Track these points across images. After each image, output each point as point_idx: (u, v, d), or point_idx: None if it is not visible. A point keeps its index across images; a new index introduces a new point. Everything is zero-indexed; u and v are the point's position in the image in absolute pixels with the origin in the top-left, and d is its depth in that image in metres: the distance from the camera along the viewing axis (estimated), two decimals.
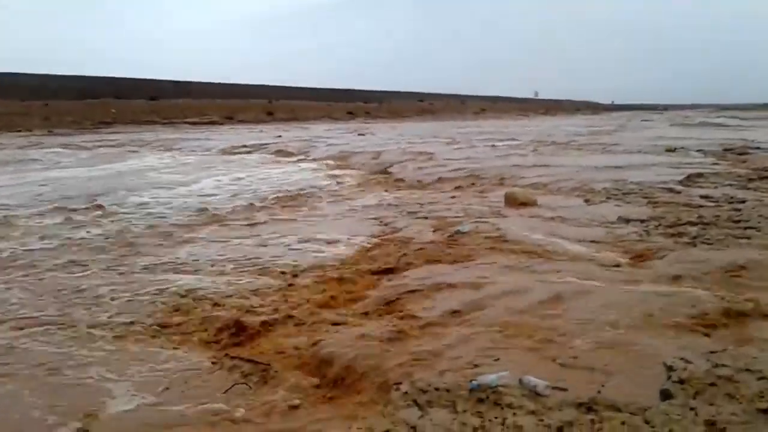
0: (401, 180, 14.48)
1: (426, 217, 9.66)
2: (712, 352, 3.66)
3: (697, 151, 18.16)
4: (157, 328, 5.20)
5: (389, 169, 16.42)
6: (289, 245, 8.11)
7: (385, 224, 9.44)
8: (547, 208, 9.88)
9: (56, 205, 11.60)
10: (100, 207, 11.36)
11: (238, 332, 4.96)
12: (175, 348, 4.76)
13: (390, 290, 5.65)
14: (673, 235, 7.38)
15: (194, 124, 56.12)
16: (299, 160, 20.25)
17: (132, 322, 5.33)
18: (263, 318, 5.19)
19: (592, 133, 24.92)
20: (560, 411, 3.11)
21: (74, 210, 11.18)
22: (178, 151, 26.80)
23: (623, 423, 2.87)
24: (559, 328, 4.25)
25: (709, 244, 6.75)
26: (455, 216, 9.55)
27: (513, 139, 26.53)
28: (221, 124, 57.79)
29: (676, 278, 5.31)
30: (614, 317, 4.35)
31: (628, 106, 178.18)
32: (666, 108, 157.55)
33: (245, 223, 9.78)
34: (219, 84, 77.85)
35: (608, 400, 3.16)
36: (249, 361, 4.26)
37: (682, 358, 3.56)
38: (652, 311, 4.43)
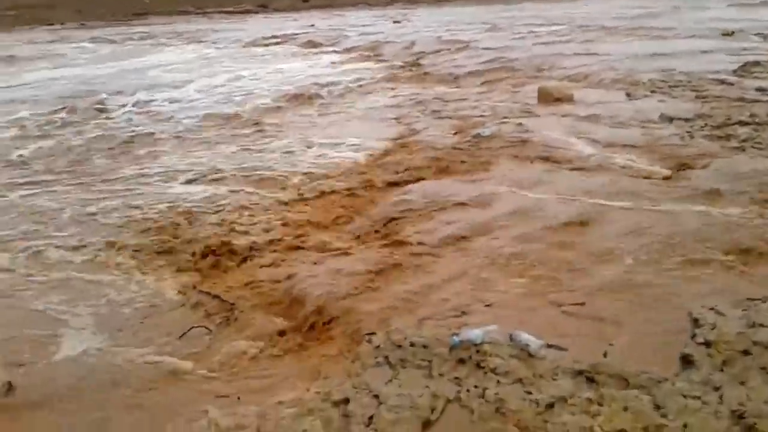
0: (431, 73, 13.55)
1: (449, 117, 8.89)
2: (749, 300, 3.02)
3: (756, 35, 16.57)
4: (135, 249, 4.76)
5: (420, 61, 15.42)
6: (299, 151, 7.53)
7: (405, 125, 8.73)
8: (584, 104, 8.98)
9: (59, 105, 11.18)
10: (102, 108, 10.87)
11: (222, 257, 4.49)
12: (144, 274, 4.32)
13: (390, 208, 5.07)
14: (720, 137, 6.52)
15: (228, 13, 54.46)
16: (327, 52, 19.24)
17: (111, 243, 4.90)
18: (253, 239, 4.70)
19: (642, 15, 23.11)
20: (554, 381, 2.54)
21: (74, 111, 10.74)
22: (205, 43, 25.92)
23: (625, 409, 2.28)
24: (570, 263, 3.65)
25: (759, 149, 5.90)
26: (481, 116, 8.76)
27: (558, 24, 24.86)
28: (255, 12, 55.88)
29: (716, 195, 4.57)
30: (637, 248, 3.72)
31: None
32: None
33: (254, 125, 9.18)
34: None
35: (614, 368, 2.58)
36: (215, 297, 3.78)
37: (712, 308, 2.93)
38: (684, 241, 3.77)
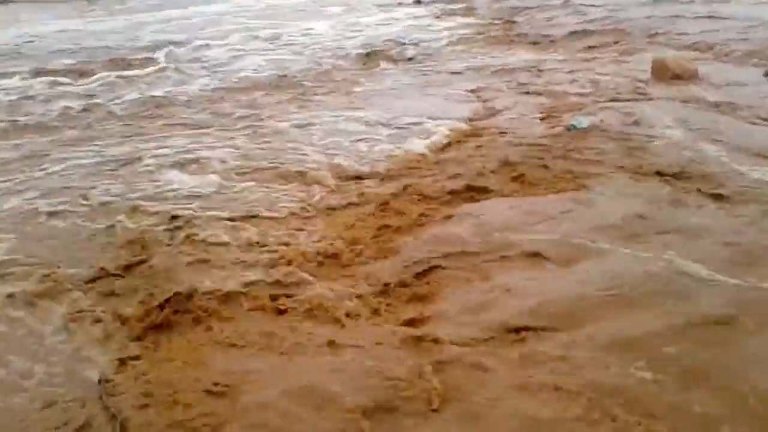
0: (525, 33, 11.61)
1: (538, 93, 7.15)
2: None
3: None
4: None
5: (514, 18, 13.44)
6: (341, 130, 6.02)
7: (483, 101, 7.06)
8: (711, 85, 6.99)
9: (112, 57, 10.07)
10: (154, 60, 9.70)
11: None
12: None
13: (430, 245, 3.52)
14: None
15: None
16: (405, 4, 17.41)
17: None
18: (222, 289, 3.29)
19: None
20: None
21: (130, 65, 9.60)
22: None
23: None
24: None
25: None
26: (579, 93, 6.98)
27: None
28: None
29: None
30: None
31: None
32: None
33: (299, 94, 7.71)
34: None
35: None
36: None
37: None
38: None
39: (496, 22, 13.27)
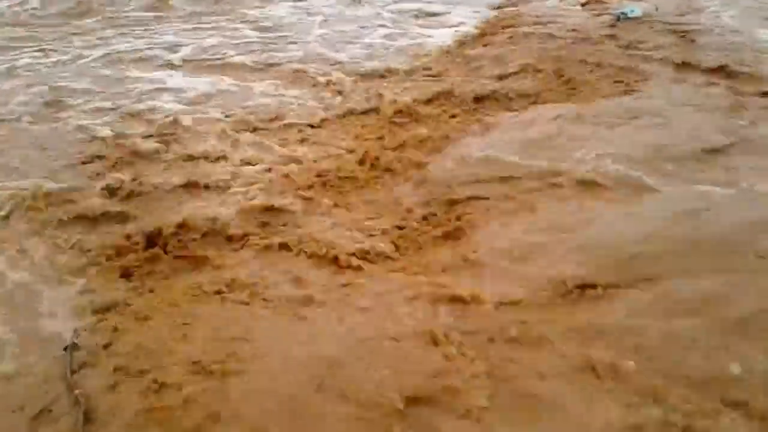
0: None
1: None
2: None
3: None
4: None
5: None
6: (359, 22, 5.32)
7: None
8: None
9: None
10: None
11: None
12: None
13: (459, 171, 2.96)
14: None
15: None
16: None
17: None
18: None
19: None
20: None
21: None
22: None
23: None
24: None
25: None
26: None
27: None
28: None
29: None
30: None
31: None
32: None
33: None
34: None
35: None
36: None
37: None
38: None
39: None
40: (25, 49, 5.05)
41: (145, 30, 5.44)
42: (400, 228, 2.64)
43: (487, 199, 2.71)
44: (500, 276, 2.21)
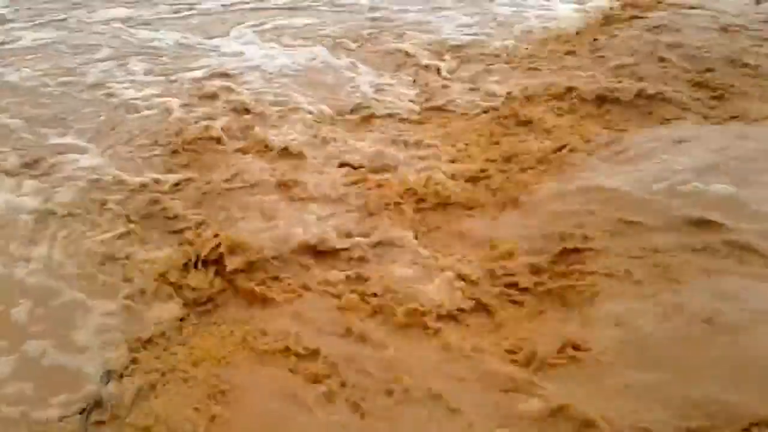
0: None
1: None
2: None
3: None
4: None
5: None
6: None
7: None
8: None
9: None
10: None
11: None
12: None
13: (579, 207, 2.39)
14: None
15: None
16: None
17: None
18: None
19: None
20: None
21: None
22: None
23: None
24: None
25: None
26: None
27: None
28: None
29: None
30: None
31: None
32: None
33: None
34: None
35: None
36: None
37: None
38: None
39: None
40: None
41: None
42: (494, 279, 2.11)
43: (613, 255, 2.13)
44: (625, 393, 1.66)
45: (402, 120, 3.15)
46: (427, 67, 3.68)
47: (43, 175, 2.74)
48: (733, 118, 2.88)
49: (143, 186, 2.65)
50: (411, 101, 3.31)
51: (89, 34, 4.35)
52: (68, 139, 3.02)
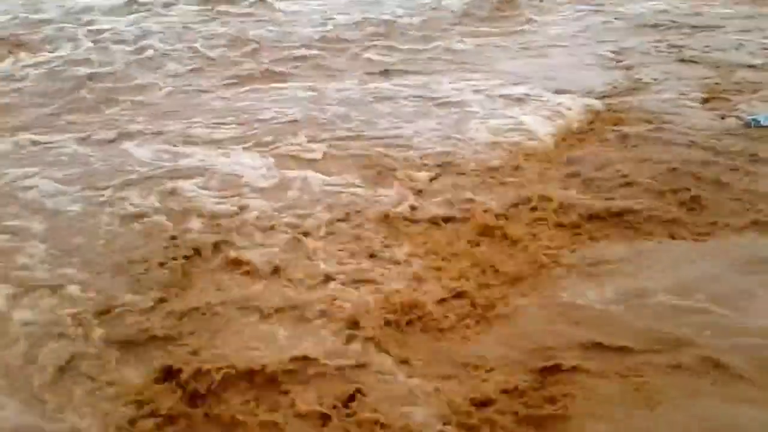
0: None
1: (695, 61, 5.70)
2: None
3: None
4: None
5: None
6: (439, 105, 4.86)
7: (625, 67, 5.67)
8: None
9: None
10: None
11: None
12: None
13: (558, 326, 2.40)
14: None
15: None
16: None
17: None
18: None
19: None
20: None
21: None
22: None
23: None
24: None
25: None
26: (751, 65, 5.49)
27: None
28: None
29: None
30: None
31: None
32: None
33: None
34: None
35: None
36: None
37: None
38: None
39: None
40: None
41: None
42: (475, 406, 2.09)
43: (594, 374, 2.13)
44: None
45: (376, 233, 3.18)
46: (400, 179, 3.73)
47: None
48: (705, 234, 2.94)
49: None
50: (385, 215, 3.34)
51: None
52: None
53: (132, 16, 7.69)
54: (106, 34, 6.91)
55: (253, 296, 2.68)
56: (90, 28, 7.19)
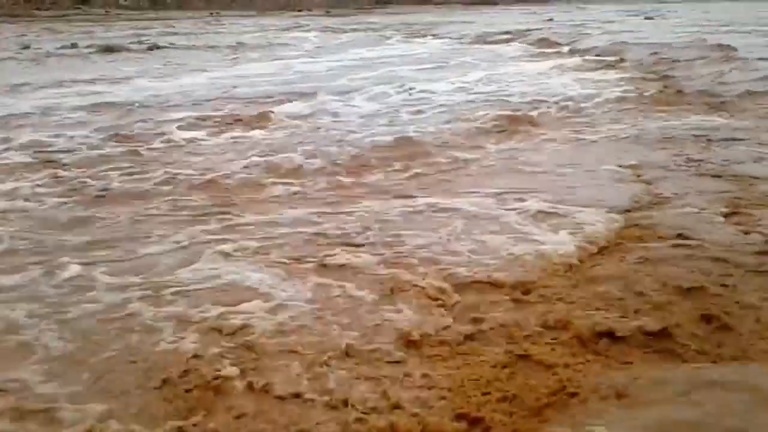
0: (685, 92, 10.09)
1: (717, 175, 5.73)
2: None
3: None
4: None
5: (671, 72, 11.92)
6: (460, 219, 4.90)
7: (645, 182, 5.70)
8: None
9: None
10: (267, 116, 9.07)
11: None
12: None
13: None
14: None
15: (467, 4, 53.77)
16: (553, 54, 16.24)
17: None
18: None
19: None
20: None
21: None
22: (431, 36, 24.95)
23: None
24: None
25: None
26: None
27: None
28: (494, 3, 55.05)
29: None
30: None
31: None
32: None
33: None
34: None
35: None
36: None
37: None
38: None
39: (648, 76, 11.81)
40: None
41: None
42: None
43: None
44: None
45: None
46: (427, 297, 3.71)
47: None
48: (734, 359, 2.86)
49: None
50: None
51: None
52: None
53: None
54: None
55: None
56: None
